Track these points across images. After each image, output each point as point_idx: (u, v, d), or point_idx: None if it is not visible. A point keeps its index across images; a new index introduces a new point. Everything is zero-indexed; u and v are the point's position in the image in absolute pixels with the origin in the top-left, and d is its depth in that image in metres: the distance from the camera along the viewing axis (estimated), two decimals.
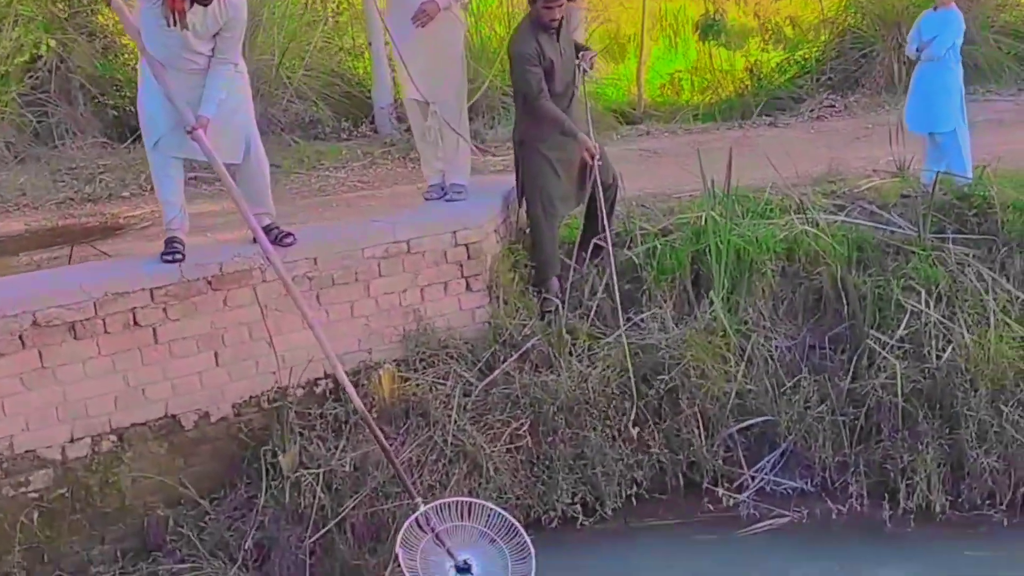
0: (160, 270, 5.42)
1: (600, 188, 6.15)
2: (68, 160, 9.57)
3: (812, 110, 10.57)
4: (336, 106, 10.51)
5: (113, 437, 5.36)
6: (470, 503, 5.11)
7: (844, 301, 6.16)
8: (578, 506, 5.70)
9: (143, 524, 5.40)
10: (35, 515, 5.19)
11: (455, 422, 5.58)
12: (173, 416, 5.48)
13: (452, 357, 5.86)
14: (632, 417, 5.84)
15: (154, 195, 8.63)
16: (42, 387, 5.16)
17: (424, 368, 5.82)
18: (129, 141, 9.86)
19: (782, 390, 5.96)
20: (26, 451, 5.17)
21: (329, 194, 8.35)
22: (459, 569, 4.94)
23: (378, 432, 5.16)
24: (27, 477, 5.18)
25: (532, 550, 4.96)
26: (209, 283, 5.48)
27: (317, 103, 10.33)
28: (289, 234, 5.68)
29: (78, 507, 5.29)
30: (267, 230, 5.54)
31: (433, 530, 4.96)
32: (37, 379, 5.15)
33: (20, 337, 5.09)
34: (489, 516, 5.06)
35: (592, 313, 6.10)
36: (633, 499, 5.79)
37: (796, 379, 5.99)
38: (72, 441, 5.27)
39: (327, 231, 6.09)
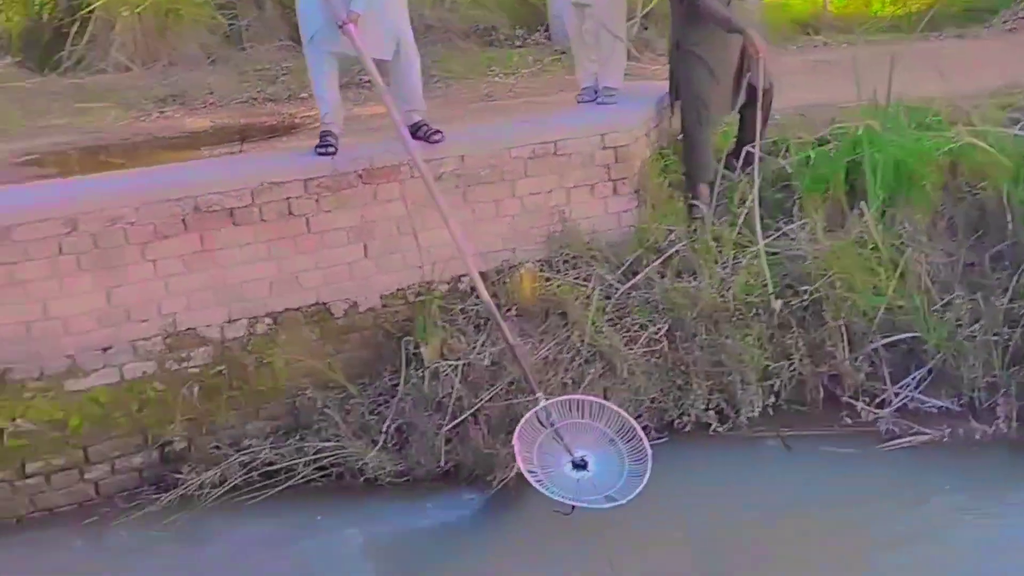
0: (314, 162, 5.65)
1: (757, 93, 6.04)
2: (255, 62, 9.99)
3: (1006, 21, 10.01)
4: (512, 13, 10.57)
5: (268, 320, 5.66)
6: (592, 402, 5.18)
7: (1009, 218, 5.90)
8: (712, 412, 5.71)
9: (294, 404, 5.69)
10: (196, 389, 5.54)
11: (593, 323, 5.64)
12: (324, 304, 5.74)
13: (595, 259, 5.92)
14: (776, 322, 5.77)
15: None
16: (202, 270, 5.48)
17: (566, 269, 5.90)
18: None
19: (933, 307, 5.78)
20: (187, 328, 5.51)
21: (496, 99, 8.45)
22: (575, 465, 5.04)
23: (504, 325, 5.28)
24: (189, 353, 5.53)
25: (649, 453, 5.01)
26: (360, 176, 5.68)
27: (493, 10, 10.42)
28: (437, 131, 5.80)
29: (235, 384, 5.62)
30: (416, 127, 5.68)
31: (552, 425, 5.07)
32: (198, 261, 5.47)
33: (183, 220, 5.41)
34: (610, 417, 5.13)
35: (740, 221, 6.03)
36: (770, 409, 5.76)
37: (950, 297, 5.79)
38: (230, 322, 5.59)
39: (476, 131, 6.19)
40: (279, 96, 9.10)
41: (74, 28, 10.42)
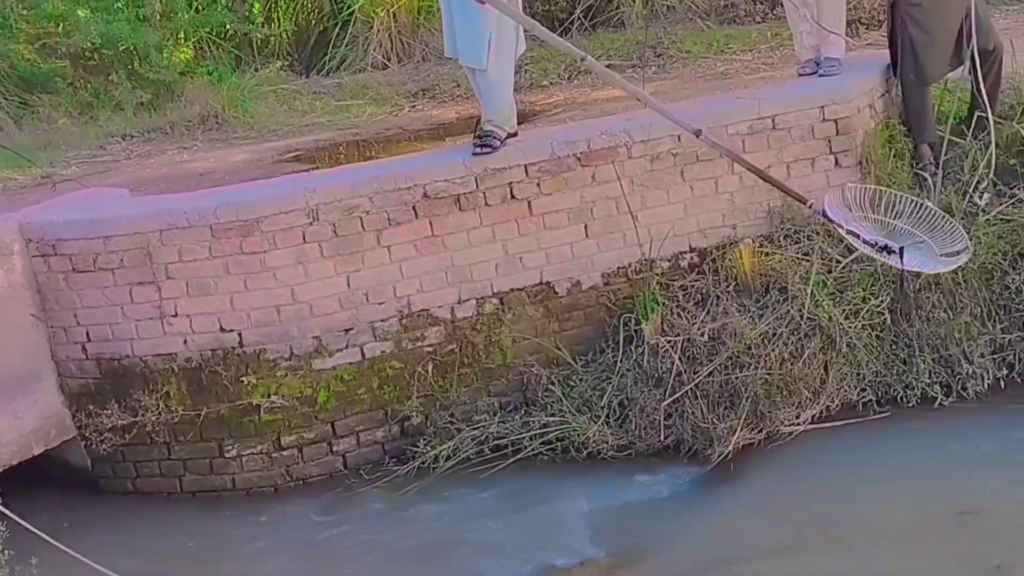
0: (533, 148, 5.86)
1: (977, 55, 5.79)
2: None
3: None
4: None
5: (495, 300, 5.91)
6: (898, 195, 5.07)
7: None
8: (937, 387, 5.54)
9: (522, 380, 5.93)
10: (430, 366, 5.87)
11: (813, 297, 5.59)
12: (548, 283, 5.94)
13: (817, 233, 5.84)
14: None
15: (569, 84, 9.25)
16: (433, 253, 5.80)
17: (788, 244, 5.85)
18: (557, 33, 10.44)
19: None
20: (421, 310, 5.84)
21: (731, 76, 8.42)
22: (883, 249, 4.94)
23: (744, 159, 5.33)
24: (423, 333, 5.86)
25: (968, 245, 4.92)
26: (578, 159, 5.84)
27: None
28: (486, 145, 5.84)
29: (466, 361, 5.91)
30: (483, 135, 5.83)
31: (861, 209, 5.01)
32: (428, 246, 5.79)
33: (413, 208, 5.75)
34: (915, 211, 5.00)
35: (971, 190, 5.80)
36: (1002, 382, 5.53)
37: None
38: (460, 302, 5.88)
39: (692, 108, 6.22)
40: (521, 85, 9.37)
41: (335, 31, 11.12)
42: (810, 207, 5.33)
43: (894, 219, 4.97)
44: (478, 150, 5.82)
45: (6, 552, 4.04)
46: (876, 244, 4.89)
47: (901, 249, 4.87)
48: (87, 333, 5.79)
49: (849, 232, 4.96)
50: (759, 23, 9.90)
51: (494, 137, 5.87)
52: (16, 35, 10.82)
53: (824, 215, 5.06)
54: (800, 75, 6.42)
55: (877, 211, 4.98)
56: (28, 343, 5.79)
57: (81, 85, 10.84)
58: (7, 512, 3.99)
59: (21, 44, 10.90)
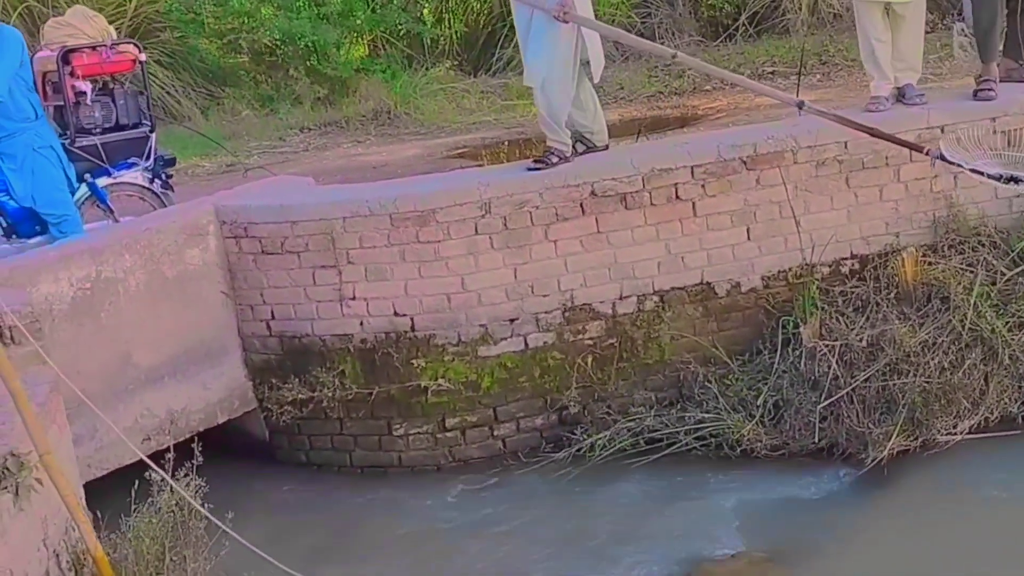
0: (700, 150, 6.01)
1: None
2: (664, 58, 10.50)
3: None
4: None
5: (656, 298, 6.09)
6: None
7: None
8: None
9: (678, 376, 6.09)
10: (589, 359, 6.08)
11: (976, 308, 5.60)
12: (708, 283, 6.09)
13: (983, 244, 5.84)
14: None
15: (732, 89, 9.36)
16: (597, 250, 6.01)
17: (952, 255, 5.87)
18: (720, 39, 10.58)
19: None
20: (583, 304, 6.06)
21: None
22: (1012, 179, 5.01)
23: (853, 121, 5.44)
24: (584, 326, 6.07)
25: None
26: (744, 163, 5.97)
27: None
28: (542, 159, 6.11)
29: (624, 356, 6.10)
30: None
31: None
32: (593, 242, 6.00)
33: (581, 205, 5.97)
34: None
35: None
36: None
37: None
38: (621, 298, 6.07)
39: (857, 117, 6.26)
40: (684, 89, 9.56)
41: (504, 33, 11.45)
42: (927, 154, 5.41)
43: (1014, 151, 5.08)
44: (532, 166, 6.09)
45: (206, 505, 4.40)
46: (1002, 177, 4.95)
47: None
48: (272, 312, 6.17)
49: (973, 170, 5.03)
50: (928, 32, 9.81)
51: (551, 153, 6.12)
52: (205, 31, 11.47)
53: (943, 158, 5.19)
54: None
55: (994, 147, 5.07)
56: (218, 319, 6.20)
57: (263, 79, 11.46)
58: (171, 487, 4.32)
59: (209, 40, 11.57)
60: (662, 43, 10.84)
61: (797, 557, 5.12)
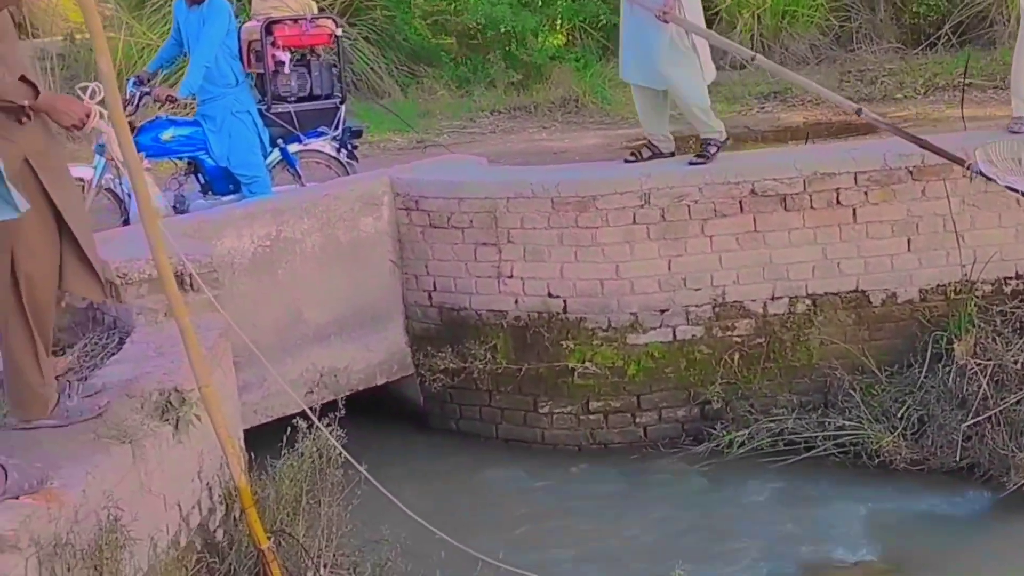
0: (866, 157, 5.97)
1: None
2: (859, 63, 10.37)
3: None
4: None
5: (808, 301, 6.09)
6: None
7: None
8: None
9: (825, 382, 6.07)
10: (736, 356, 6.13)
11: None
12: (863, 291, 6.06)
13: None
14: None
15: (924, 99, 9.16)
16: (753, 248, 6.05)
17: None
18: (921, 48, 10.32)
19: None
20: (734, 301, 6.12)
21: None
22: None
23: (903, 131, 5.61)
24: (733, 323, 6.13)
25: None
26: (910, 173, 5.90)
27: None
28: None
29: (772, 356, 6.12)
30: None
31: None
32: (749, 240, 6.05)
33: (739, 203, 6.02)
34: None
35: None
36: None
37: None
38: (772, 299, 6.10)
39: None
40: (874, 96, 9.41)
41: None
42: (968, 168, 5.42)
43: None
44: (694, 160, 6.25)
45: (342, 455, 4.68)
46: None
47: None
48: (434, 283, 6.46)
49: (1007, 186, 5.02)
50: None
51: (710, 144, 6.25)
52: (413, 11, 11.91)
53: (981, 174, 5.25)
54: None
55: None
56: (385, 285, 6.53)
57: (462, 61, 11.83)
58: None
59: (416, 19, 12.02)
60: (859, 48, 10.72)
61: (922, 573, 5.07)
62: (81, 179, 6.38)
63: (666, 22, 5.97)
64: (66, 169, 4.02)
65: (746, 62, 6.44)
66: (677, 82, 6.19)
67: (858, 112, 5.57)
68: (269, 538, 4.18)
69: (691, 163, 6.19)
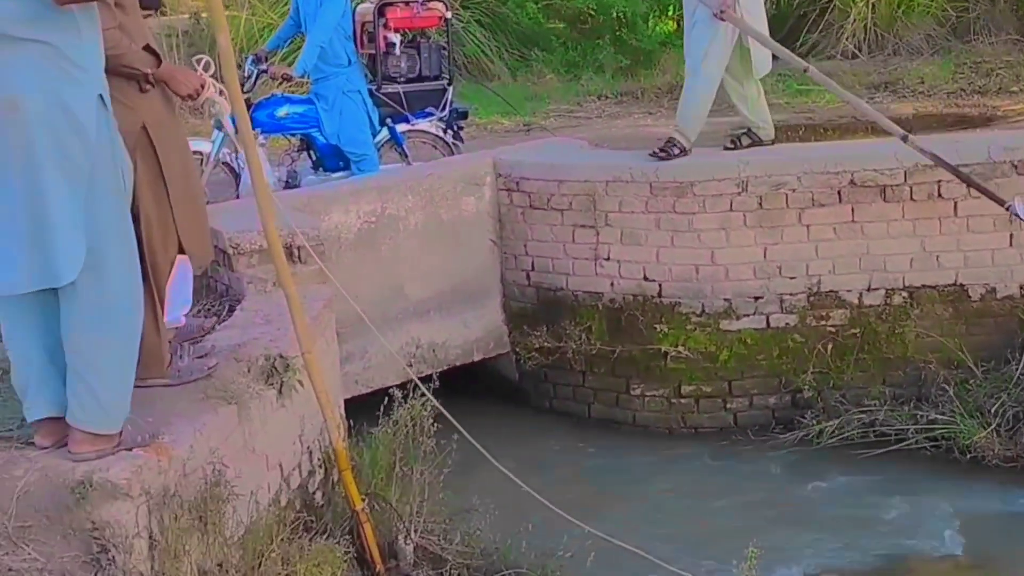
0: (968, 150, 5.93)
1: None
2: (975, 55, 10.16)
3: None
4: None
5: (904, 293, 6.08)
6: None
7: None
8: None
9: (919, 376, 6.05)
10: (829, 346, 6.14)
11: None
12: (961, 285, 6.03)
13: None
14: None
15: None
16: (850, 238, 6.06)
17: None
18: None
19: None
20: (829, 291, 6.13)
21: None
22: None
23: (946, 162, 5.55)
24: (827, 313, 6.14)
25: None
26: (1014, 167, 5.88)
27: None
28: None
29: (866, 348, 6.12)
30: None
31: None
32: (847, 231, 6.05)
33: (838, 192, 6.03)
34: None
35: None
36: None
37: None
38: (868, 290, 6.10)
39: None
40: (988, 88, 9.23)
41: (813, 16, 11.35)
42: (1007, 208, 5.49)
43: None
44: (653, 154, 6.29)
45: (436, 425, 4.85)
46: None
47: None
48: (532, 263, 6.59)
49: None
50: None
51: (673, 145, 6.26)
52: None
53: (1018, 216, 5.40)
54: None
55: None
56: (484, 264, 6.68)
57: (572, 46, 11.91)
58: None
59: (529, 3, 12.12)
60: (976, 40, 10.50)
61: (1008, 571, 5.05)
62: (200, 152, 6.63)
63: (723, 20, 6.00)
64: (183, 141, 4.21)
65: (800, 70, 6.48)
66: (695, 77, 6.36)
67: (904, 139, 5.52)
68: (363, 500, 4.37)
69: (650, 154, 6.34)
